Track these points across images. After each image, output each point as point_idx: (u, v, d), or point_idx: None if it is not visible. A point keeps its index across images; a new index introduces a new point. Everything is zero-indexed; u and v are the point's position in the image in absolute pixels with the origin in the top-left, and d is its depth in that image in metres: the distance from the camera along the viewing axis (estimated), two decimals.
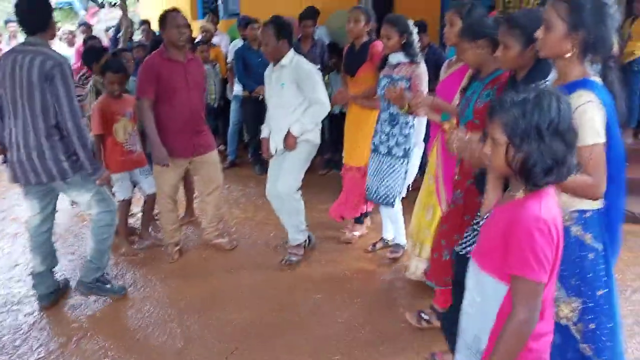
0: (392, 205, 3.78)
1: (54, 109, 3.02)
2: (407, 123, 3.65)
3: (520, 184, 1.53)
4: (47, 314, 3.35)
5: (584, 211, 1.89)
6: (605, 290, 1.91)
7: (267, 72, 3.91)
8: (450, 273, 2.89)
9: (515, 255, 1.47)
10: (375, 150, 3.82)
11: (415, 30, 3.63)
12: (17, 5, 3.07)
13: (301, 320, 3.24)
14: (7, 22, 8.60)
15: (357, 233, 4.38)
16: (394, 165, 3.70)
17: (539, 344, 1.56)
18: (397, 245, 4.01)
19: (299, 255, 4.01)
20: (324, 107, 3.75)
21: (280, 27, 3.71)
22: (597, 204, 1.90)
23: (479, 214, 2.45)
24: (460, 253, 2.53)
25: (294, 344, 2.99)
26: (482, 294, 1.61)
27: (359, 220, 4.42)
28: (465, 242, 2.53)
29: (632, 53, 5.37)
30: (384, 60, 3.76)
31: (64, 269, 3.90)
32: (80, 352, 2.96)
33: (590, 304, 1.90)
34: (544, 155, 1.44)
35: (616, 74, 1.92)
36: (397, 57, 3.62)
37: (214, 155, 4.12)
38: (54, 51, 3.09)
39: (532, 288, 1.47)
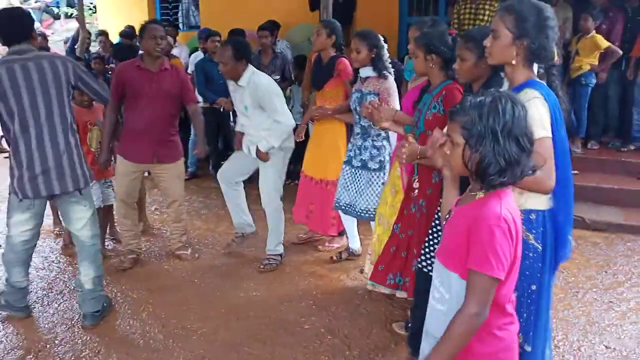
0: (374, 218, 3.78)
1: (69, 108, 3.08)
2: (378, 135, 3.72)
3: (478, 184, 1.60)
4: (1, 327, 3.24)
5: (530, 212, 1.99)
6: (537, 286, 2.02)
7: (231, 88, 4.00)
8: (409, 275, 2.97)
9: (475, 252, 1.53)
10: (348, 162, 3.87)
11: (385, 45, 3.72)
12: None
13: (267, 328, 3.24)
14: None
15: (335, 245, 4.40)
16: (371, 179, 3.74)
17: (504, 333, 1.63)
18: (348, 248, 4.17)
19: (278, 262, 4.07)
20: (288, 125, 3.87)
21: (238, 47, 3.80)
22: (544, 205, 2.00)
23: (436, 220, 2.54)
24: (423, 269, 2.60)
25: (260, 351, 2.99)
26: (450, 292, 1.66)
27: (340, 233, 4.43)
28: (424, 258, 2.60)
29: (580, 68, 5.65)
30: (354, 73, 3.84)
31: None
32: None
33: (524, 297, 2.01)
34: (498, 157, 1.50)
35: (559, 80, 2.10)
36: (366, 72, 3.70)
37: (175, 168, 4.07)
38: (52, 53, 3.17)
39: (487, 284, 1.52)
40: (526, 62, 1.99)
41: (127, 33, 6.90)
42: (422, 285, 2.59)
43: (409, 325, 3.08)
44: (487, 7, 5.60)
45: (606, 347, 3.05)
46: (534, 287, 2.02)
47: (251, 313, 3.40)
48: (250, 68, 3.85)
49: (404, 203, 3.07)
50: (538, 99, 1.90)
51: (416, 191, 2.85)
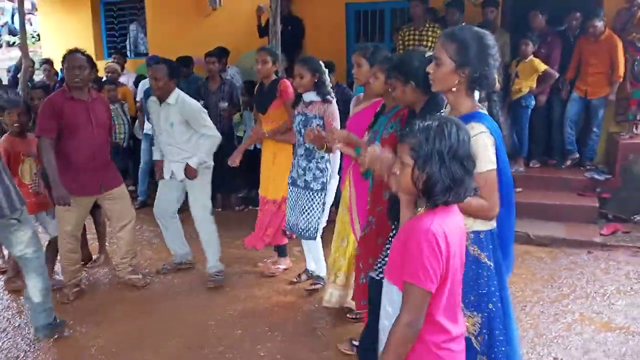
0: (314, 238, 3.87)
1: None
2: (322, 157, 3.79)
3: (423, 203, 1.68)
4: None
5: (479, 232, 2.06)
6: (498, 304, 2.06)
7: (153, 109, 4.07)
8: (367, 296, 2.99)
9: (407, 264, 1.61)
10: (292, 183, 3.92)
11: (326, 71, 3.81)
12: None
13: (222, 356, 3.19)
14: None
15: (282, 266, 4.40)
16: (312, 199, 3.80)
17: (444, 353, 1.67)
18: (318, 277, 4.07)
19: (222, 275, 4.17)
20: (216, 139, 4.09)
21: (172, 66, 4.05)
22: (490, 225, 2.08)
23: (390, 237, 2.59)
24: (375, 278, 2.63)
25: None
26: (392, 304, 1.72)
27: (282, 254, 4.45)
28: (378, 267, 2.65)
29: (520, 90, 5.91)
30: (298, 97, 3.90)
31: None
32: None
33: (484, 319, 2.04)
34: (443, 177, 1.59)
35: (499, 107, 2.18)
36: (309, 96, 3.77)
37: (122, 190, 4.09)
38: None
39: (418, 294, 1.59)
40: (468, 90, 2.05)
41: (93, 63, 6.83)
42: (375, 295, 2.63)
43: (353, 344, 3.12)
44: (430, 33, 5.83)
45: (554, 358, 3.15)
46: (491, 306, 2.04)
47: (206, 342, 3.35)
48: (177, 89, 4.05)
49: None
50: (484, 134, 1.96)
51: (368, 206, 2.90)
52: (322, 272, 4.04)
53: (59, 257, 4.09)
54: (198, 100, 5.88)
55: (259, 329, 3.51)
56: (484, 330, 2.03)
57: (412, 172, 1.63)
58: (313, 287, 4.04)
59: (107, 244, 4.78)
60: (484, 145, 1.94)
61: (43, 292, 3.27)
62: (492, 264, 2.05)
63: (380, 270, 2.62)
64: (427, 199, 1.64)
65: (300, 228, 3.84)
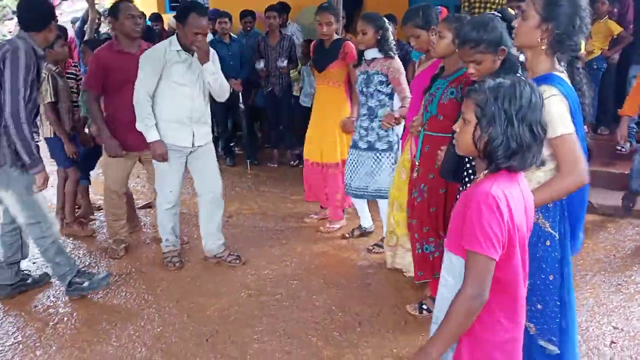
0: (386, 197, 3.80)
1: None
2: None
3: (483, 166, 1.59)
4: (22, 300, 3.32)
5: None
6: (557, 276, 1.99)
7: (177, 59, 3.43)
8: (431, 264, 2.98)
9: (466, 230, 1.52)
10: (353, 146, 3.89)
11: (390, 27, 3.73)
12: (18, 3, 3.11)
13: (279, 304, 3.29)
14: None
15: (336, 225, 4.43)
16: (379, 159, 3.77)
17: (512, 325, 1.61)
18: (359, 227, 4.21)
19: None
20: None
21: None
22: None
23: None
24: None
25: (272, 326, 3.05)
26: (453, 274, 1.65)
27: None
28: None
29: (592, 52, 5.63)
30: (359, 56, 3.85)
31: (37, 258, 3.84)
32: (57, 337, 2.94)
33: (541, 287, 1.99)
34: (510, 139, 1.50)
35: (583, 74, 2.06)
36: (372, 53, 3.72)
37: None
38: (23, 41, 2.99)
39: (481, 262, 1.49)
40: (549, 50, 1.94)
41: (156, 16, 7.03)
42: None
43: (423, 307, 3.14)
44: None
45: (614, 327, 3.08)
46: (551, 277, 1.98)
47: (262, 290, 3.46)
48: None
49: (408, 187, 3.08)
50: (556, 97, 1.86)
51: (416, 174, 2.86)
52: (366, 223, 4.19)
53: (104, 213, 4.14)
54: (257, 57, 5.96)
55: (314, 281, 3.59)
56: (533, 298, 1.95)
57: (474, 131, 1.55)
58: (376, 250, 4.00)
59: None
60: (557, 109, 1.85)
61: (47, 262, 3.31)
62: (556, 234, 1.98)
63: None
64: (488, 161, 1.56)
65: (373, 189, 3.81)
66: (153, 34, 6.53)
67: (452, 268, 1.65)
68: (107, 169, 3.82)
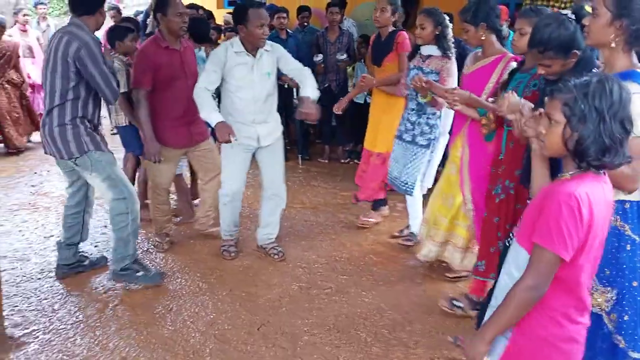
0: (410, 193, 3.86)
1: (60, 91, 3.06)
2: (434, 114, 3.73)
3: (572, 166, 1.57)
4: (83, 281, 3.47)
5: (624, 202, 1.91)
6: None
7: (238, 61, 3.42)
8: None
9: (540, 225, 1.52)
10: (399, 137, 3.89)
11: (450, 25, 3.69)
12: None
13: (328, 298, 3.32)
14: (36, 4, 8.73)
15: (372, 220, 4.45)
16: (416, 154, 3.77)
17: (570, 325, 1.60)
18: (412, 234, 4.08)
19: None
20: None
21: None
22: (638, 196, 1.91)
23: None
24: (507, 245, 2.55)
25: (322, 319, 3.08)
26: (518, 267, 1.65)
27: (376, 207, 4.49)
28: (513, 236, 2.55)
29: None
30: (415, 50, 3.81)
31: (98, 242, 4.02)
32: (115, 318, 3.07)
33: (626, 295, 1.92)
34: (602, 136, 1.48)
35: None
36: (429, 50, 3.68)
37: (210, 143, 3.99)
38: (84, 32, 3.06)
39: (547, 258, 1.50)
40: (625, 46, 1.88)
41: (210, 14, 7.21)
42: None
43: (454, 303, 3.11)
44: None
45: None
46: (635, 284, 1.91)
47: (313, 283, 3.50)
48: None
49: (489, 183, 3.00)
50: (637, 95, 1.77)
51: (501, 170, 2.80)
52: (415, 229, 4.02)
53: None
54: (315, 51, 6.00)
55: (364, 277, 3.60)
56: (619, 308, 1.90)
57: (564, 131, 1.53)
58: (405, 243, 4.05)
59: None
60: (636, 109, 1.74)
61: (116, 242, 3.32)
62: (637, 238, 1.91)
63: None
64: (579, 160, 1.53)
65: (400, 181, 3.84)
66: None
67: (517, 261, 1.66)
68: (152, 165, 3.78)
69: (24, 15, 7.25)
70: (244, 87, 3.45)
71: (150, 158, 3.66)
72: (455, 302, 3.14)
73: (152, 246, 4.01)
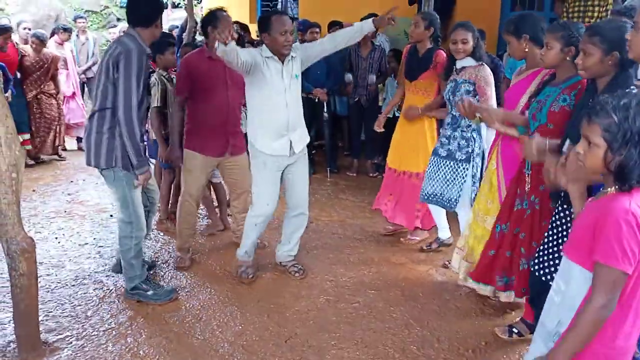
0: (452, 209, 3.83)
1: (102, 97, 3.09)
2: (468, 126, 3.71)
3: (612, 183, 1.59)
4: (114, 289, 3.54)
5: None
6: None
7: (269, 64, 3.37)
8: (527, 283, 2.88)
9: (601, 244, 1.55)
10: (434, 152, 3.89)
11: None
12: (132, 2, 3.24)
13: (356, 312, 3.31)
14: (75, 18, 9.03)
15: (417, 238, 4.39)
16: (456, 169, 3.75)
17: (626, 339, 1.61)
18: (442, 243, 4.11)
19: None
20: None
21: None
22: None
23: (554, 221, 2.48)
24: (536, 273, 2.52)
25: (349, 334, 3.08)
26: (567, 283, 1.68)
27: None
28: (539, 262, 2.52)
29: None
30: (449, 68, 3.81)
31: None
32: (147, 326, 3.12)
33: None
34: None
35: None
36: (463, 62, 3.68)
37: (244, 159, 3.95)
38: (133, 41, 3.08)
39: (614, 276, 1.54)
40: None
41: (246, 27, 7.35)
42: (536, 290, 2.54)
43: (513, 330, 3.04)
44: (597, 2, 5.33)
45: None
46: None
47: (340, 297, 3.50)
48: None
49: (509, 199, 3.01)
50: None
51: (528, 186, 2.78)
52: (443, 235, 4.13)
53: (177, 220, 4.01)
54: (346, 67, 6.06)
55: (392, 292, 3.58)
56: None
57: (605, 155, 1.55)
58: (428, 248, 4.12)
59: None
60: None
61: (123, 263, 3.35)
62: None
63: (540, 264, 2.51)
64: (621, 183, 1.56)
65: (446, 198, 3.79)
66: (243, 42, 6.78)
67: (568, 276, 1.69)
68: (187, 174, 3.82)
69: (65, 31, 7.50)
70: (275, 92, 3.40)
71: (170, 161, 3.93)
72: (513, 329, 3.04)
73: (173, 262, 3.96)
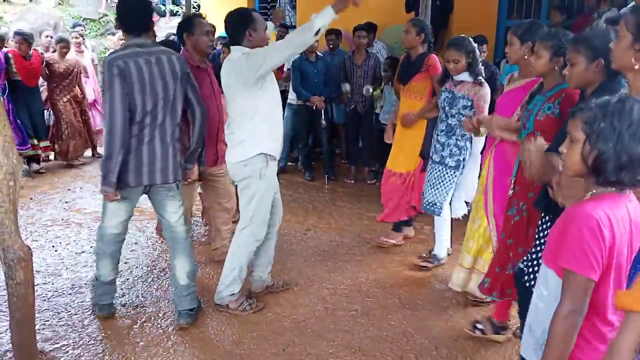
0: (438, 213, 3.87)
1: (181, 103, 3.04)
2: (463, 135, 3.75)
3: (592, 185, 1.59)
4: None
5: None
6: None
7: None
8: (512, 286, 2.89)
9: (565, 250, 1.56)
10: (430, 159, 3.93)
11: (476, 45, 3.72)
12: (121, 8, 3.01)
13: (354, 320, 3.31)
14: (74, 26, 9.03)
15: (392, 240, 4.43)
16: (444, 174, 3.82)
17: (604, 347, 1.59)
18: (434, 257, 4.06)
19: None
20: None
21: None
22: None
23: (541, 227, 2.48)
24: (522, 280, 2.52)
25: (347, 342, 3.07)
26: (548, 288, 1.69)
27: (396, 228, 4.48)
28: (527, 263, 2.52)
29: None
30: (446, 74, 3.83)
31: (128, 259, 4.08)
32: (143, 335, 3.11)
33: None
34: (620, 153, 1.50)
35: None
36: (461, 76, 3.72)
37: (225, 167, 3.68)
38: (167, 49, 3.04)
39: (579, 282, 1.53)
40: None
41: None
42: (521, 295, 2.54)
43: (477, 326, 3.09)
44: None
45: None
46: None
47: (338, 304, 3.49)
48: None
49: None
50: None
51: (511, 191, 2.81)
52: (439, 252, 4.03)
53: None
54: (342, 75, 6.08)
55: (390, 300, 3.57)
56: None
57: (583, 148, 1.56)
58: (424, 264, 4.04)
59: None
60: None
61: (190, 275, 3.17)
62: None
63: (525, 270, 2.51)
64: (597, 175, 1.56)
65: (427, 201, 3.88)
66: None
67: (546, 281, 1.70)
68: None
69: (76, 37, 7.54)
70: (276, 94, 3.26)
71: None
72: (477, 325, 3.11)
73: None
